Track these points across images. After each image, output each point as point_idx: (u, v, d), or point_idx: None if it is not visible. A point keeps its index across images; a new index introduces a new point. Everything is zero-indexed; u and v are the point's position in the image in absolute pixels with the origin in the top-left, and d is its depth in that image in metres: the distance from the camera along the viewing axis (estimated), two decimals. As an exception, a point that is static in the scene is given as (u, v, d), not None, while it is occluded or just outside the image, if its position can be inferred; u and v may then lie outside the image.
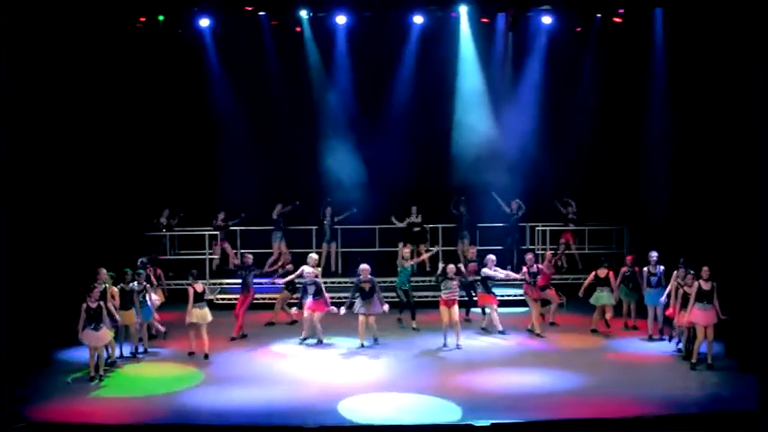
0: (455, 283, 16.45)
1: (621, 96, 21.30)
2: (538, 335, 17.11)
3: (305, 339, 16.89)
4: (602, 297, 17.33)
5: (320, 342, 16.80)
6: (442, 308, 16.38)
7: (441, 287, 16.49)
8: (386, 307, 16.45)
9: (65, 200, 16.64)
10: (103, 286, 15.08)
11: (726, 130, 16.33)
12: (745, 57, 14.70)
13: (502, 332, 17.25)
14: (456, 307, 16.44)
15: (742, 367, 14.74)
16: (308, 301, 16.76)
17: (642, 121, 20.49)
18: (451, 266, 16.59)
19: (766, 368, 11.73)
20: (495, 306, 17.43)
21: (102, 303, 14.70)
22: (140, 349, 16.29)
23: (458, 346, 16.34)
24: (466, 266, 17.56)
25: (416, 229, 20.99)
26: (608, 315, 17.42)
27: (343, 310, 16.41)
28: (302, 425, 12.39)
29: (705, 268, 14.93)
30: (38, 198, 15.49)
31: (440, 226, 21.65)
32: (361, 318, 16.41)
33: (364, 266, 16.42)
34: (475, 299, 18.10)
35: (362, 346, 16.43)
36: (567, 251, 20.77)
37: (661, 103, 19.80)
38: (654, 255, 16.78)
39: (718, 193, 16.54)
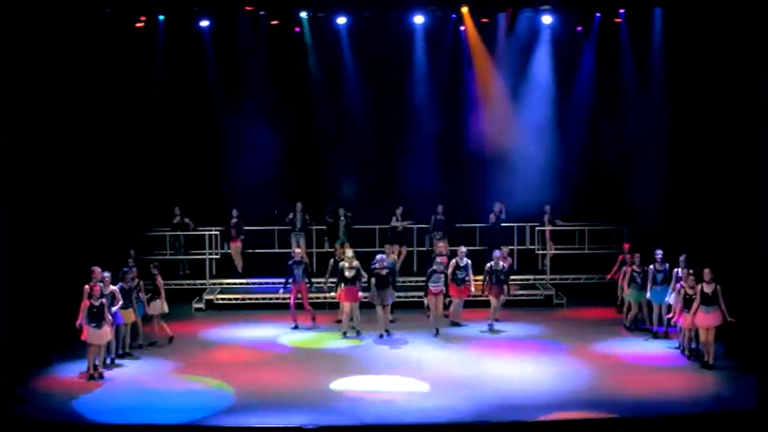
0: (443, 276, 17.28)
1: (621, 95, 21.29)
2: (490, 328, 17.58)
3: (345, 333, 17.25)
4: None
5: (358, 333, 17.24)
6: (431, 297, 17.27)
7: (430, 281, 17.25)
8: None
9: (64, 200, 16.61)
10: (99, 285, 14.96)
11: (726, 129, 16.31)
12: (745, 56, 14.68)
13: (458, 324, 17.81)
14: (441, 297, 17.39)
15: (742, 367, 14.73)
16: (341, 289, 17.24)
17: (642, 120, 20.47)
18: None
19: (766, 368, 11.73)
20: (462, 298, 17.79)
21: (104, 301, 14.67)
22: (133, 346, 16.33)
23: (437, 332, 17.26)
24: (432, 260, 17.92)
25: (399, 229, 21.17)
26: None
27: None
28: (302, 425, 12.39)
29: (707, 270, 14.84)
30: (38, 198, 15.45)
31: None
32: (378, 308, 17.05)
33: (381, 257, 17.29)
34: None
35: (381, 336, 17.11)
36: (544, 250, 21.06)
37: (661, 103, 19.78)
38: (659, 252, 16.83)
39: (718, 192, 16.52)
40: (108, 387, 14.33)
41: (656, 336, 16.86)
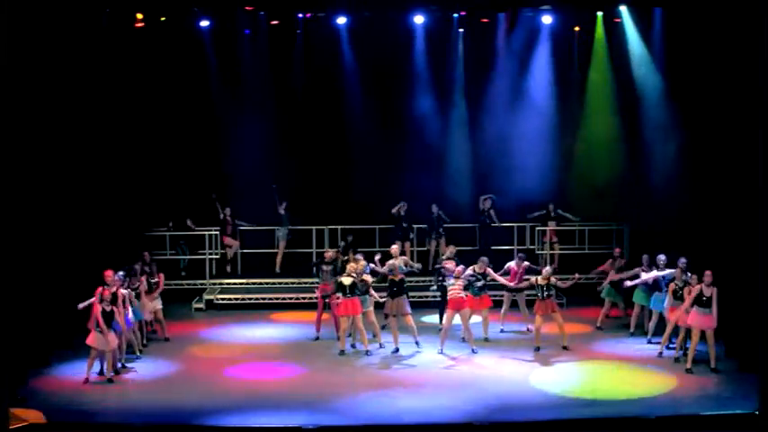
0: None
1: (621, 95, 21.29)
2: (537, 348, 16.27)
3: (343, 352, 15.88)
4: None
5: (367, 352, 15.86)
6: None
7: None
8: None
9: (66, 200, 16.63)
10: (114, 288, 14.69)
11: (726, 129, 16.33)
12: (746, 56, 14.69)
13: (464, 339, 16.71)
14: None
15: (742, 367, 14.74)
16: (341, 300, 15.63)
17: (642, 119, 20.48)
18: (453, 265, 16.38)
19: (766, 368, 11.72)
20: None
21: (114, 308, 14.39)
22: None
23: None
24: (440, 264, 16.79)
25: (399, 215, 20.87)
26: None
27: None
28: (301, 425, 12.39)
29: (708, 272, 14.63)
30: (39, 198, 15.47)
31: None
32: (392, 320, 15.85)
33: (393, 262, 16.19)
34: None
35: (397, 350, 15.93)
36: (551, 251, 20.98)
37: (661, 103, 19.80)
38: (662, 258, 16.35)
39: (718, 192, 16.53)
40: (108, 388, 14.32)
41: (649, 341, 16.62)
